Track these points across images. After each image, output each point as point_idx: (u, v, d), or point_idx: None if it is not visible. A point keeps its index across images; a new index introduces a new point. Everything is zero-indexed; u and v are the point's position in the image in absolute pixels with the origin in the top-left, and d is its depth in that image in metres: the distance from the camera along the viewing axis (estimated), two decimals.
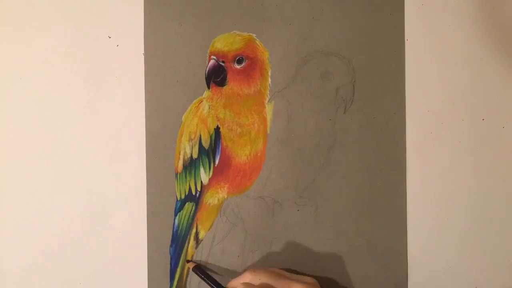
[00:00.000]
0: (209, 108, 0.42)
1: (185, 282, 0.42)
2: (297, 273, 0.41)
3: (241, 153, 0.42)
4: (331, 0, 0.41)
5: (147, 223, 0.42)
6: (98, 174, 0.43)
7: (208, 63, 0.41)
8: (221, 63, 0.41)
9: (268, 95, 0.41)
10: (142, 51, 0.42)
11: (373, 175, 0.41)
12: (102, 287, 0.43)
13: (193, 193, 0.42)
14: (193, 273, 0.42)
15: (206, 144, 0.42)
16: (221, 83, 0.41)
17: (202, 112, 0.42)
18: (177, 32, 0.42)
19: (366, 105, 0.41)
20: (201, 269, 0.41)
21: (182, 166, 0.42)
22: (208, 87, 0.42)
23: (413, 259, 0.41)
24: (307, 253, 0.41)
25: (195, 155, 0.42)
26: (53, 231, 0.43)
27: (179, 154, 0.42)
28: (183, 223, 0.42)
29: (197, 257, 0.42)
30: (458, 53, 0.41)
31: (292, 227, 0.41)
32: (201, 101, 0.42)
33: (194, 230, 0.42)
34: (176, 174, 0.42)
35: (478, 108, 0.41)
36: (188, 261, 0.42)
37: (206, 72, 0.42)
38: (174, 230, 0.42)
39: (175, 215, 0.42)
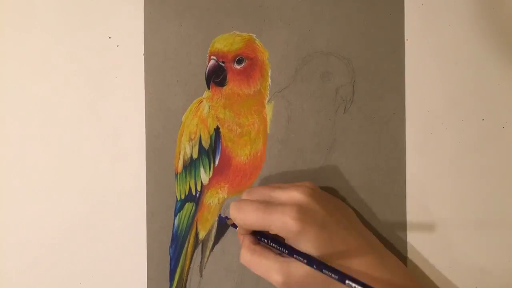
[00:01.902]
0: (209, 108, 0.42)
1: (185, 283, 0.42)
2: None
3: (241, 153, 0.42)
4: (331, 0, 0.41)
5: (147, 223, 0.42)
6: (98, 174, 0.43)
7: (208, 63, 0.42)
8: (221, 63, 0.41)
9: (268, 95, 0.41)
10: (142, 51, 0.42)
11: (373, 175, 0.41)
12: (102, 287, 0.43)
13: (193, 193, 0.42)
14: (193, 273, 0.42)
15: (206, 144, 0.42)
16: (221, 83, 0.41)
17: (202, 112, 0.42)
18: (177, 32, 0.42)
19: (366, 105, 0.41)
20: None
21: (182, 166, 0.42)
22: (208, 87, 0.42)
23: (413, 259, 0.41)
24: None
25: (195, 155, 0.42)
26: (52, 231, 0.43)
27: (179, 154, 0.42)
28: (183, 223, 0.42)
29: (197, 257, 0.42)
30: (458, 53, 0.41)
31: None
32: (201, 101, 0.42)
33: (194, 230, 0.42)
34: (176, 174, 0.42)
35: (478, 108, 0.41)
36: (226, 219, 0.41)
37: (206, 72, 0.42)
38: (174, 230, 0.42)
39: (175, 216, 0.42)
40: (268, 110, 0.42)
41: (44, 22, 0.43)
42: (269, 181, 0.42)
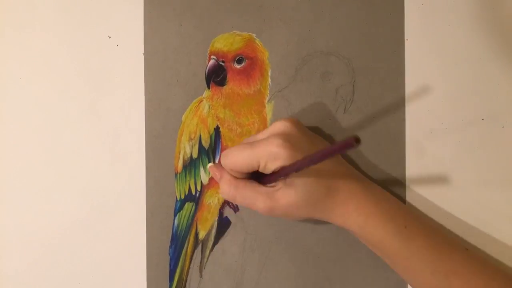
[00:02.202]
0: (209, 107, 0.42)
1: (185, 283, 0.42)
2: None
3: None
4: (331, 0, 0.41)
5: (147, 223, 0.42)
6: (98, 174, 0.43)
7: (208, 63, 0.42)
8: (221, 63, 0.41)
9: (268, 95, 0.41)
10: (142, 51, 0.42)
11: (373, 175, 0.41)
12: (102, 287, 0.43)
13: (193, 193, 0.42)
14: (193, 273, 0.42)
15: (206, 144, 0.42)
16: (221, 83, 0.41)
17: (202, 112, 0.42)
18: (177, 32, 0.42)
19: (366, 105, 0.41)
20: None
21: (182, 166, 0.42)
22: (208, 87, 0.42)
23: None
24: (307, 253, 0.41)
25: (195, 155, 0.42)
26: (52, 231, 0.43)
27: (179, 154, 0.42)
28: (183, 223, 0.42)
29: (197, 257, 0.42)
30: (458, 53, 0.41)
31: (292, 227, 0.41)
32: (201, 101, 0.42)
33: (194, 230, 0.42)
34: (176, 174, 0.42)
35: (478, 108, 0.41)
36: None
37: (206, 72, 0.42)
38: (174, 230, 0.42)
39: (175, 215, 0.42)
40: (268, 110, 0.42)
41: (44, 22, 0.43)
42: None
